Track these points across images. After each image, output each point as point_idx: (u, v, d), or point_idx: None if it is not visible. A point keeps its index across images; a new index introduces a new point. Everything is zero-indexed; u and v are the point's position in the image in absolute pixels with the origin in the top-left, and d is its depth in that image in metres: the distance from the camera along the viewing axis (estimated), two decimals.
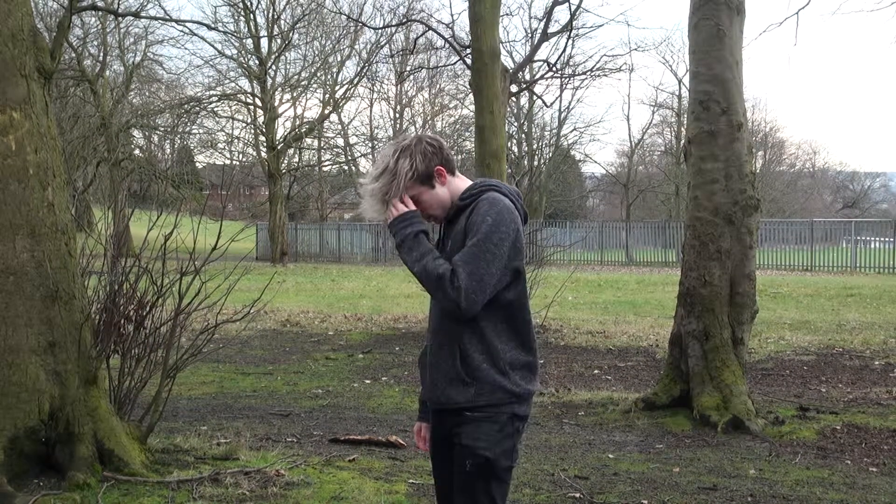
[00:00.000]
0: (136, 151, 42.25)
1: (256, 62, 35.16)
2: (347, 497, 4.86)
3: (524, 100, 43.62)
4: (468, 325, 2.85)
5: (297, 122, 39.59)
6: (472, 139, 21.41)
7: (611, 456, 6.16)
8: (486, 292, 2.78)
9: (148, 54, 37.39)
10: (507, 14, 41.94)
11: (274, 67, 36.04)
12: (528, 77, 29.34)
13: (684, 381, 7.40)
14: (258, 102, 35.97)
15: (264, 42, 35.42)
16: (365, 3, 42.84)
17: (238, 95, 36.79)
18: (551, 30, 20.96)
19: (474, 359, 2.86)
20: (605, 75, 38.61)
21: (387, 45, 37.66)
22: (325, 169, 45.32)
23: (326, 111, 38.50)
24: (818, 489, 5.39)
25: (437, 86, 43.80)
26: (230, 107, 38.12)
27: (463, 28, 23.23)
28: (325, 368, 10.25)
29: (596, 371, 10.05)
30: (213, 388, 8.89)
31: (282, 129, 38.48)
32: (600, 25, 55.50)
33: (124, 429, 5.08)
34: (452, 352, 2.88)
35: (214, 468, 5.12)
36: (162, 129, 40.22)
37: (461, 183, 3.00)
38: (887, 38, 69.08)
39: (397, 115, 45.57)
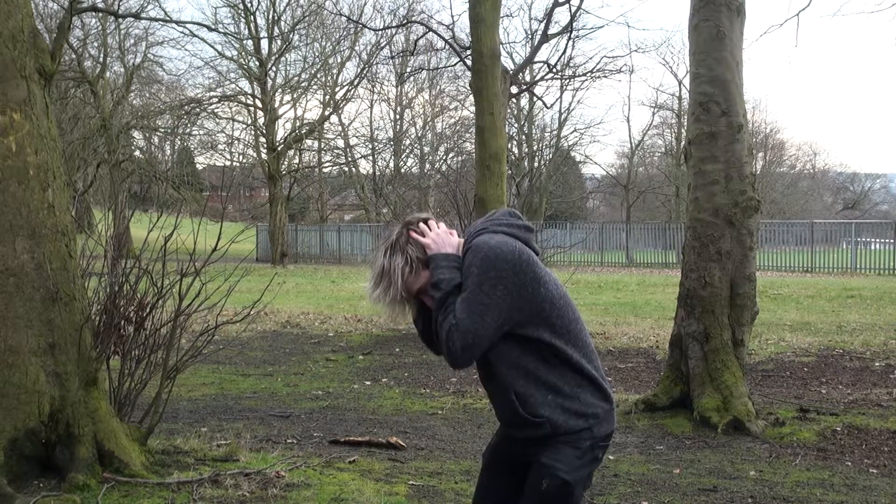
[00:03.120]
0: (137, 153, 42.29)
1: (257, 63, 35.19)
2: (347, 499, 4.85)
3: (524, 101, 43.62)
4: (512, 369, 2.77)
5: (298, 124, 39.61)
6: (473, 140, 21.42)
7: (611, 457, 6.16)
8: (482, 345, 2.69)
9: (148, 55, 37.47)
10: (507, 15, 42.10)
11: (274, 69, 36.10)
12: (528, 78, 29.33)
13: (684, 382, 7.40)
14: (258, 104, 36.00)
15: (264, 43, 35.50)
16: (365, 5, 42.91)
17: (238, 97, 36.84)
18: (551, 31, 20.96)
19: (535, 398, 2.77)
20: (606, 77, 38.68)
21: (387, 47, 37.69)
22: (325, 170, 45.30)
23: (327, 112, 38.52)
24: (818, 490, 5.39)
25: (438, 87, 43.82)
26: (230, 108, 38.21)
27: (463, 29, 23.30)
28: (325, 370, 10.25)
29: None
30: (213, 389, 8.89)
31: (282, 130, 38.56)
32: (600, 27, 55.25)
33: (124, 430, 5.08)
34: (510, 401, 2.80)
35: (214, 469, 5.12)
36: (162, 130, 40.26)
37: (460, 242, 2.87)
38: (888, 40, 69.12)
39: (397, 117, 45.57)
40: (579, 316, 2.88)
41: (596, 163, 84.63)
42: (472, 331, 2.66)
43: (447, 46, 19.83)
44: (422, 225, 2.85)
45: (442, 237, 2.82)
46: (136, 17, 31.37)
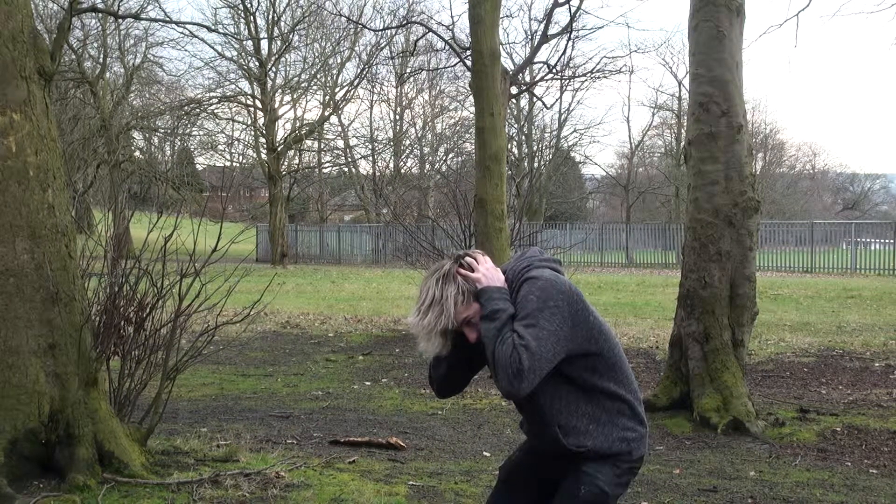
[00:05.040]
0: (137, 153, 42.30)
1: (256, 64, 35.19)
2: (347, 499, 4.85)
3: (524, 101, 43.63)
4: (556, 401, 2.82)
5: (298, 124, 39.62)
6: (472, 141, 21.41)
7: None
8: (542, 371, 2.70)
9: (148, 56, 37.46)
10: (507, 16, 42.04)
11: (274, 69, 36.09)
12: (528, 79, 29.32)
13: (684, 382, 7.40)
14: (258, 104, 36.00)
15: (264, 44, 35.50)
16: (365, 5, 42.81)
17: (238, 97, 36.83)
18: (551, 32, 20.95)
19: (577, 429, 2.85)
20: (605, 77, 38.64)
21: (387, 47, 37.69)
22: (325, 171, 45.30)
23: (326, 113, 38.52)
24: (818, 491, 5.39)
25: (438, 88, 43.81)
26: (230, 109, 38.21)
27: (463, 30, 23.26)
28: (325, 370, 10.25)
29: None
30: (213, 389, 8.89)
31: (282, 130, 38.56)
32: (600, 27, 55.40)
33: (124, 430, 5.07)
34: (553, 436, 2.86)
35: (214, 470, 5.12)
36: (162, 130, 40.27)
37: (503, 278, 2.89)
38: (887, 40, 69.13)
39: (397, 117, 45.56)
40: (619, 342, 2.98)
41: (596, 163, 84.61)
42: (538, 354, 2.67)
43: (447, 47, 19.83)
44: (469, 259, 2.87)
45: (491, 272, 2.85)
46: (136, 17, 31.35)
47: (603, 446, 2.84)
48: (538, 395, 2.81)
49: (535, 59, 23.48)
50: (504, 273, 2.90)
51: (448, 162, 46.97)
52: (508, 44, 40.69)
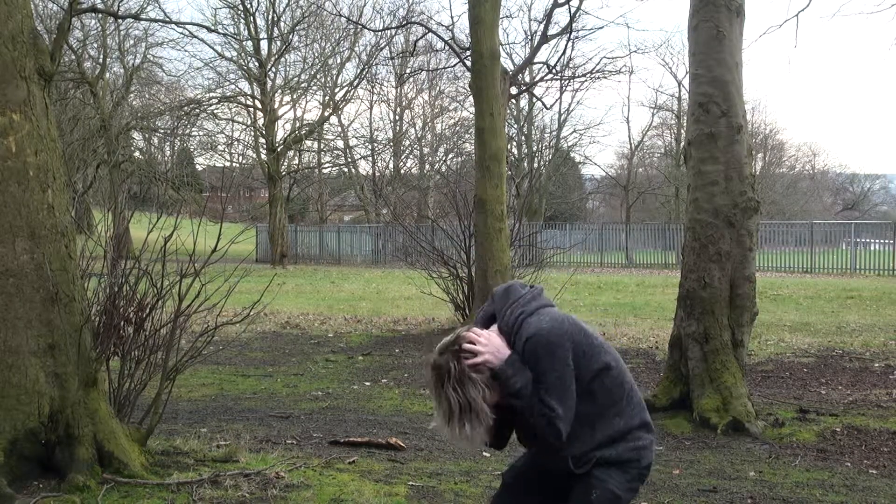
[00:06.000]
0: (136, 153, 42.31)
1: (256, 64, 35.20)
2: (347, 499, 4.85)
3: (524, 102, 43.62)
4: (570, 439, 2.83)
5: (297, 125, 39.64)
6: (472, 141, 21.41)
7: None
8: (573, 414, 2.79)
9: (148, 56, 37.46)
10: (506, 16, 42.09)
11: (274, 70, 36.10)
12: (527, 79, 29.32)
13: (684, 383, 7.40)
14: (258, 104, 36.01)
15: (264, 44, 35.50)
16: (365, 6, 42.90)
17: (238, 98, 36.84)
18: (551, 32, 20.92)
19: (588, 456, 2.86)
20: (605, 77, 38.65)
21: (387, 48, 37.71)
22: (324, 171, 45.33)
23: (326, 113, 38.53)
24: (818, 491, 5.39)
25: (437, 88, 43.82)
26: (230, 109, 38.22)
27: (463, 30, 23.27)
28: (324, 370, 10.25)
29: None
30: (213, 390, 8.89)
31: (282, 131, 38.58)
32: (600, 28, 55.37)
33: (124, 431, 5.08)
34: (564, 464, 2.88)
35: (214, 470, 5.12)
36: (162, 131, 40.27)
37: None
38: (887, 40, 69.13)
39: (397, 118, 45.57)
40: (618, 355, 3.02)
41: (595, 163, 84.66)
42: (566, 413, 2.77)
43: (447, 47, 19.82)
44: (468, 345, 2.81)
45: (493, 344, 2.82)
46: (136, 17, 31.36)
47: (612, 456, 2.87)
48: None
49: (535, 60, 23.49)
50: (498, 326, 2.89)
51: (448, 162, 47.02)
52: (508, 44, 40.76)
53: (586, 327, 2.90)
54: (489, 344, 2.80)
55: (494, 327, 2.91)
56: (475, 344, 2.79)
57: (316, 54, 37.72)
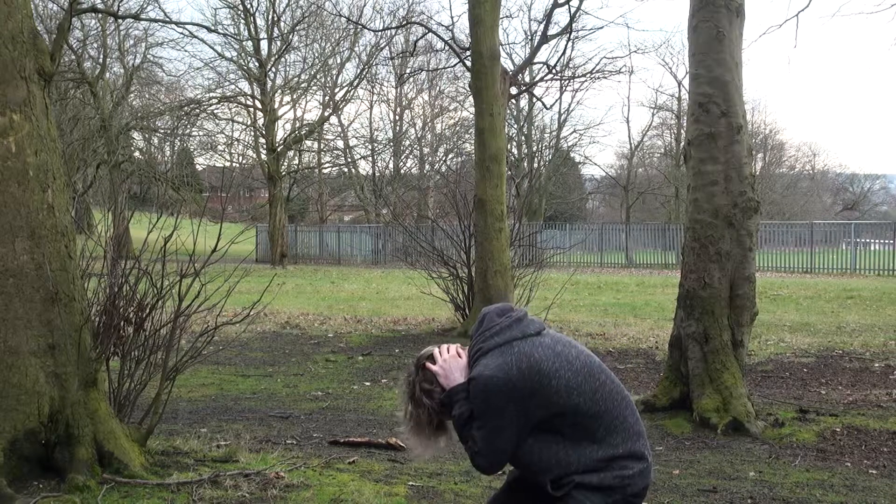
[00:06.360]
0: (136, 154, 42.30)
1: (256, 64, 35.20)
2: (347, 499, 4.85)
3: (524, 102, 43.64)
4: (543, 463, 2.84)
5: (297, 125, 39.65)
6: (472, 141, 21.42)
7: None
8: (505, 457, 2.85)
9: (148, 56, 37.49)
10: (506, 16, 42.08)
11: (274, 70, 36.11)
12: (527, 79, 29.33)
13: (684, 383, 7.40)
14: (258, 105, 36.02)
15: (264, 44, 35.50)
16: (365, 6, 42.90)
17: (238, 98, 36.85)
18: (551, 32, 20.92)
19: (565, 479, 2.82)
20: (605, 77, 38.82)
21: (387, 48, 37.74)
22: (324, 171, 45.32)
23: (326, 113, 38.54)
24: (818, 491, 5.39)
25: (437, 88, 43.86)
26: (230, 109, 38.22)
27: (463, 30, 23.29)
28: (324, 370, 10.25)
29: None
30: (213, 390, 8.89)
31: (281, 131, 38.57)
32: (600, 28, 55.51)
33: (124, 431, 5.08)
34: (543, 487, 2.86)
35: (214, 470, 5.12)
36: (162, 131, 40.26)
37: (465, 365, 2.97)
38: (887, 40, 69.14)
39: (397, 118, 45.57)
40: (606, 378, 2.90)
41: (595, 164, 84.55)
42: (491, 454, 2.84)
43: (447, 47, 19.83)
44: (428, 363, 2.97)
45: (449, 364, 2.94)
46: (136, 18, 31.37)
47: (593, 481, 2.79)
48: (523, 458, 2.87)
49: (535, 60, 23.47)
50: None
51: (448, 162, 47.01)
52: (508, 44, 40.77)
53: (552, 367, 2.79)
54: (446, 367, 2.94)
55: None
56: (434, 364, 2.96)
57: (316, 54, 37.77)
